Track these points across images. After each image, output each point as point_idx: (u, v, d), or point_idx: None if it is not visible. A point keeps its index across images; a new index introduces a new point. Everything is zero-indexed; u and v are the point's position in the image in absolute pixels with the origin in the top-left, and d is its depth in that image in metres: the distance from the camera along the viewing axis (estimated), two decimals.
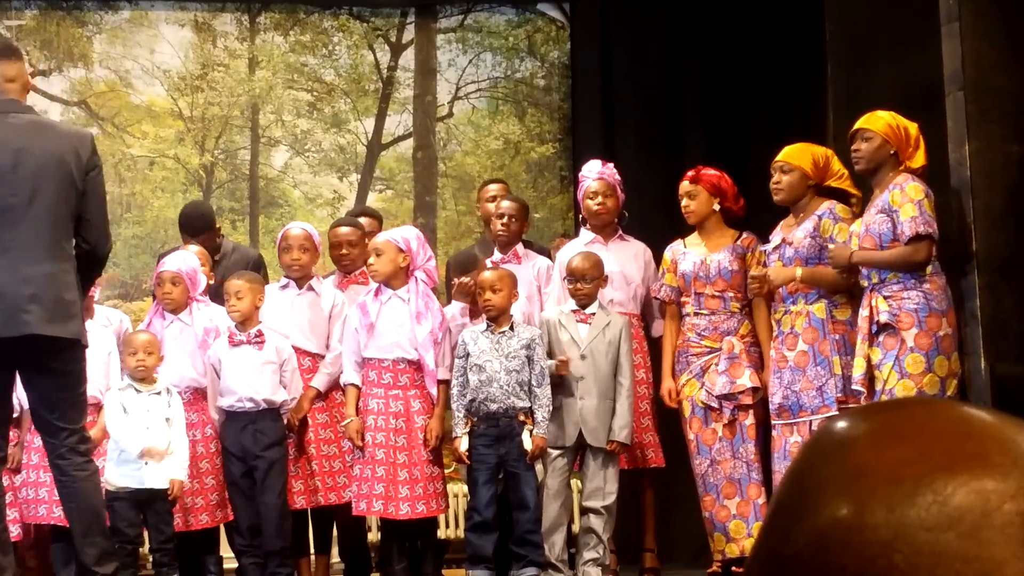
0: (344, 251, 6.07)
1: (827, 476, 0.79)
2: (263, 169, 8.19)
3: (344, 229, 6.14)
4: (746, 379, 5.57)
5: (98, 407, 5.49)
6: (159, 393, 5.40)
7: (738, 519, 5.59)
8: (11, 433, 5.08)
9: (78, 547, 4.69)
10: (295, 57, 8.24)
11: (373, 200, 8.15)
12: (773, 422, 5.39)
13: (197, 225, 6.30)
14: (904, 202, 4.85)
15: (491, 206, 6.35)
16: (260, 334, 5.54)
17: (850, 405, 5.03)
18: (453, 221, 8.21)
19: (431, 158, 8.30)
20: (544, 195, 8.22)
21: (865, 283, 5.02)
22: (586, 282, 5.60)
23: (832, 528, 0.76)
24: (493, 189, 6.61)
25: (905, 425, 0.80)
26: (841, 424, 0.83)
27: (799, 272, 5.29)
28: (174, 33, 8.09)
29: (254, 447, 5.43)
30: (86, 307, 5.02)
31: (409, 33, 8.35)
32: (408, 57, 8.34)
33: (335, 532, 6.00)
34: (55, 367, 4.54)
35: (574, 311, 5.64)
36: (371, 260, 5.60)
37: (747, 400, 5.60)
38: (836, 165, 5.40)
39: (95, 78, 8.00)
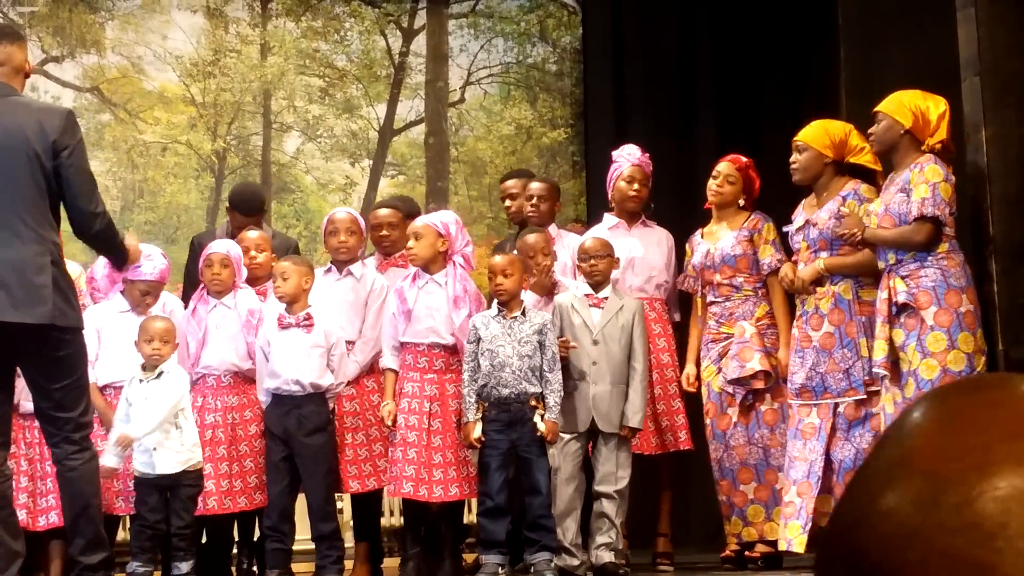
0: (384, 232, 6.06)
1: (883, 460, 0.80)
2: (275, 155, 8.19)
3: (384, 211, 6.15)
4: (756, 363, 5.56)
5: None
6: (159, 376, 5.31)
7: (756, 503, 5.61)
8: None
9: (68, 535, 4.69)
10: (307, 43, 8.23)
11: (385, 186, 8.15)
12: (790, 401, 5.35)
13: (253, 204, 6.30)
14: (920, 182, 4.84)
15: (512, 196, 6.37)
16: (309, 317, 5.49)
17: (876, 388, 5.01)
18: (465, 206, 8.20)
19: (443, 144, 8.30)
20: (556, 180, 8.20)
21: (882, 264, 4.99)
22: (600, 258, 5.61)
23: (867, 512, 0.78)
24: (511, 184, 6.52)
25: (971, 411, 0.80)
26: (918, 406, 0.83)
27: (821, 263, 5.25)
28: (186, 19, 8.09)
29: (298, 432, 5.40)
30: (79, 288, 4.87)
31: (421, 19, 8.34)
32: (420, 43, 8.33)
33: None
34: (38, 352, 4.42)
35: (587, 295, 5.64)
36: (410, 244, 5.59)
37: (759, 384, 5.60)
38: (855, 140, 5.34)
39: (107, 64, 8.01)
